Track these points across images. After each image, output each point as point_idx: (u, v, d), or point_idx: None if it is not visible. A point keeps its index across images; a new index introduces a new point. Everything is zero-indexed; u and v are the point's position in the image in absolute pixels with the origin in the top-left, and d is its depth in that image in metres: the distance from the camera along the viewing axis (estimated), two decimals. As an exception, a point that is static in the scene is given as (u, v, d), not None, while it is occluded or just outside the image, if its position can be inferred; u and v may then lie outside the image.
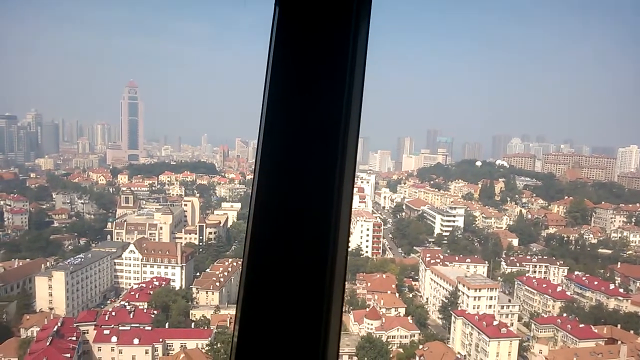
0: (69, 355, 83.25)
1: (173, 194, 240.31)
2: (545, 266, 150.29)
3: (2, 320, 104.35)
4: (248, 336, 2.00)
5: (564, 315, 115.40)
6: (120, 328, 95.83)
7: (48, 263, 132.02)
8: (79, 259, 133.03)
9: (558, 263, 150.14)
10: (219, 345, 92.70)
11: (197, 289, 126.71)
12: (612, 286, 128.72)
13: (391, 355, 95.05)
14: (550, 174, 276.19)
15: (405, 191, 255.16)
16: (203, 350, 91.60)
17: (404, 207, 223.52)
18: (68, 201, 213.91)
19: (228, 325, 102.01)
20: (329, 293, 1.92)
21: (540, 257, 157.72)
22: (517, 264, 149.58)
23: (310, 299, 1.92)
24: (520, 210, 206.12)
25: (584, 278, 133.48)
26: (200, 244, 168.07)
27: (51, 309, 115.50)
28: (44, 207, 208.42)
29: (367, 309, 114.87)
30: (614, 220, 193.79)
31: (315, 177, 2.00)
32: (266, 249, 2.00)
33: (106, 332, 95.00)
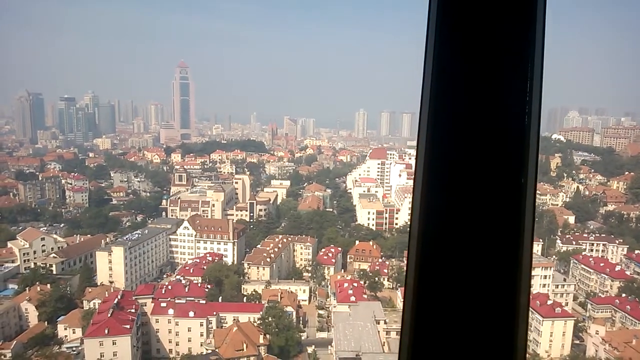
0: (128, 326, 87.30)
1: (224, 172, 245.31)
2: (603, 244, 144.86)
3: (67, 293, 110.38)
4: (423, 334, 1.84)
5: (623, 295, 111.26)
6: (176, 301, 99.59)
7: (107, 239, 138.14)
8: (137, 235, 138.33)
9: (617, 241, 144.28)
10: (270, 319, 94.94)
11: (248, 264, 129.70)
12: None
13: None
14: (609, 148, 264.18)
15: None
16: (255, 324, 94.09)
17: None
18: (125, 179, 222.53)
19: (279, 300, 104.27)
20: (516, 298, 1.77)
21: (597, 235, 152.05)
22: (573, 242, 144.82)
23: (496, 301, 1.77)
24: (578, 187, 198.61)
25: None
26: (251, 220, 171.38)
27: (111, 282, 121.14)
28: (103, 185, 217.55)
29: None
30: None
31: (496, 175, 1.78)
32: (439, 251, 1.83)
33: (163, 304, 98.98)
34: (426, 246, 1.85)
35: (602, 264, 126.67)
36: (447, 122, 1.83)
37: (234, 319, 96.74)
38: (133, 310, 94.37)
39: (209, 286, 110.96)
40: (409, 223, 2.06)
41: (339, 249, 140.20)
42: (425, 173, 1.85)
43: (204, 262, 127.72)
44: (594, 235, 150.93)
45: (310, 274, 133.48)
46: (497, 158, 1.78)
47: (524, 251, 1.77)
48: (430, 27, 1.89)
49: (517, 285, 1.77)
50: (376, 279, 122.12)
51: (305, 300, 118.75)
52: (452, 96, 1.81)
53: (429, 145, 1.85)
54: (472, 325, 1.78)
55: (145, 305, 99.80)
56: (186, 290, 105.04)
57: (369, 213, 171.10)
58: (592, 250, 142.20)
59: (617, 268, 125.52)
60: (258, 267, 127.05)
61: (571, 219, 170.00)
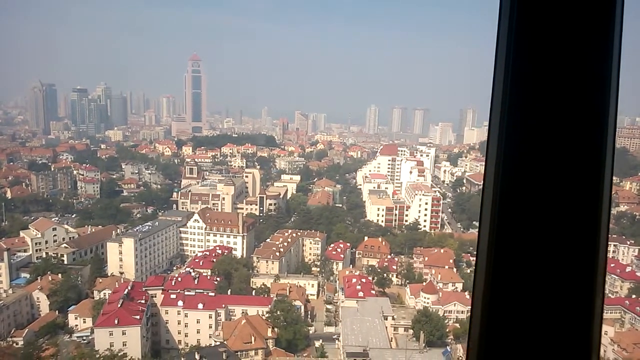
0: (138, 317, 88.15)
1: (235, 166, 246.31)
2: (614, 245, 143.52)
3: (77, 283, 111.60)
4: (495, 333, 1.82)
5: (633, 296, 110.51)
6: (186, 293, 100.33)
7: (118, 230, 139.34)
8: (147, 227, 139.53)
9: (628, 242, 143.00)
10: (278, 312, 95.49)
11: (257, 258, 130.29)
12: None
13: (447, 330, 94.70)
14: (623, 148, 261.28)
15: (466, 165, 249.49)
16: (263, 317, 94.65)
17: (464, 181, 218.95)
18: (136, 171, 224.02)
19: (287, 294, 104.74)
20: (593, 301, 1.75)
21: (609, 235, 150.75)
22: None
23: (572, 303, 1.75)
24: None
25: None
26: (261, 214, 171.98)
27: (121, 273, 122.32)
28: (114, 176, 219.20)
29: (424, 283, 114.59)
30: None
31: (572, 179, 1.74)
32: (513, 253, 1.79)
33: (173, 296, 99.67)
34: (499, 247, 1.80)
35: (612, 265, 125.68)
36: (521, 126, 1.77)
37: (243, 312, 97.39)
38: (143, 301, 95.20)
39: (218, 279, 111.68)
40: (477, 225, 2.01)
41: (348, 244, 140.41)
42: (497, 176, 1.80)
43: (213, 255, 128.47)
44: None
45: (318, 269, 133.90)
46: (573, 161, 1.74)
47: (599, 254, 1.75)
48: (502, 28, 1.83)
49: (594, 289, 1.73)
50: (384, 275, 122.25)
51: (314, 295, 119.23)
52: (527, 100, 1.75)
53: (500, 149, 1.80)
54: (546, 328, 1.73)
55: (155, 297, 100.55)
56: (195, 283, 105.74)
57: (378, 209, 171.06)
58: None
59: (628, 269, 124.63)
60: (267, 261, 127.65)
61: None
